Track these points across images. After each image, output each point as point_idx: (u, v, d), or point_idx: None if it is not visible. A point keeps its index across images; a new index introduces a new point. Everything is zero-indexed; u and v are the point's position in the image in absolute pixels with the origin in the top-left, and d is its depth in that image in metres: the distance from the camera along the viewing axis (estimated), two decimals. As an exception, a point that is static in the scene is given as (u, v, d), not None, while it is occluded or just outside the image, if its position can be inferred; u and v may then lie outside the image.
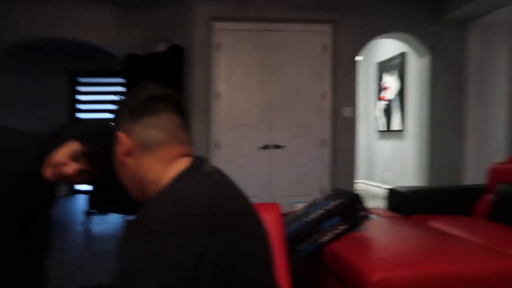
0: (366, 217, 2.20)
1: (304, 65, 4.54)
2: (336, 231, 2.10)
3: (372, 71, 7.07)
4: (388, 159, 6.55)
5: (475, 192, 3.07)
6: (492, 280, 1.70)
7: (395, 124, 6.17)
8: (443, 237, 2.15)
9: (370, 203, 5.79)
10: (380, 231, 2.32)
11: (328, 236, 2.10)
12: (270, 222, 1.52)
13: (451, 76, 4.81)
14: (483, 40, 4.63)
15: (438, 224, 2.65)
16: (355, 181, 4.74)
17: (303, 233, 2.09)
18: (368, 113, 7.29)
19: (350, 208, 2.15)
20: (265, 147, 4.48)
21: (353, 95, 4.67)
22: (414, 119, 5.61)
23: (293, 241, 2.07)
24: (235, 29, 4.45)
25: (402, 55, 5.88)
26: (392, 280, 1.62)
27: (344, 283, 1.89)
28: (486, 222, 2.69)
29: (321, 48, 4.57)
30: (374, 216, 2.81)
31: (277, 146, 4.50)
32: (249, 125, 4.47)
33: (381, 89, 6.68)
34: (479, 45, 4.69)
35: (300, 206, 2.52)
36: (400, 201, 3.13)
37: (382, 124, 6.66)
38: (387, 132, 6.51)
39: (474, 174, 4.64)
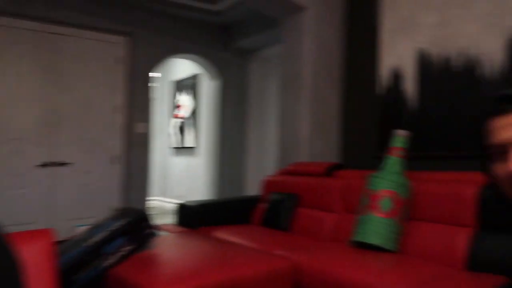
0: (153, 235, 2.16)
1: (95, 75, 4.24)
2: (121, 253, 1.98)
3: (168, 89, 7.21)
4: (181, 175, 6.75)
5: (253, 201, 3.45)
6: (265, 279, 1.91)
7: (189, 141, 6.43)
8: (225, 246, 2.31)
9: (162, 220, 5.81)
10: (167, 247, 2.32)
11: (112, 259, 1.96)
12: (35, 253, 1.30)
13: (237, 99, 5.35)
14: (261, 70, 5.36)
15: (221, 234, 2.85)
16: (148, 198, 4.67)
17: (81, 260, 1.88)
18: (163, 130, 7.38)
19: (136, 227, 2.07)
20: (44, 164, 3.93)
21: (148, 110, 4.63)
22: (206, 136, 5.98)
23: (68, 271, 1.84)
24: (11, 25, 3.80)
25: (196, 76, 6.22)
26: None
27: (128, 307, 1.79)
28: (260, 228, 3.04)
29: (114, 60, 4.37)
30: (162, 233, 2.80)
31: (62, 163, 4.02)
32: (23, 139, 3.84)
33: (176, 107, 6.87)
34: (258, 75, 5.40)
35: (82, 229, 2.28)
36: (188, 215, 3.22)
37: (176, 141, 6.84)
38: (181, 148, 6.72)
39: (254, 186, 5.26)
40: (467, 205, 2.04)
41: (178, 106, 6.74)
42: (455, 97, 2.77)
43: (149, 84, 4.63)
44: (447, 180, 2.26)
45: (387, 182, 2.26)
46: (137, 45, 4.53)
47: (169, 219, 5.74)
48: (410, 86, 3.05)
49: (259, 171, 5.17)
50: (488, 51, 2.62)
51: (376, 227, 2.18)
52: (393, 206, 2.20)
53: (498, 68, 2.56)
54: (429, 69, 2.94)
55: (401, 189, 2.24)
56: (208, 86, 5.83)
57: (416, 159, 2.96)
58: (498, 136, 0.71)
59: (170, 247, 2.34)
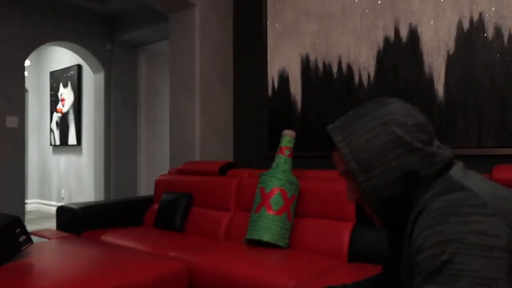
0: (27, 242, 1.92)
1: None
2: (-15, 266, 1.72)
3: (45, 81, 6.50)
4: (64, 175, 6.15)
5: (146, 202, 3.31)
6: (159, 283, 1.84)
7: (71, 138, 5.90)
8: (113, 251, 2.16)
9: (42, 225, 5.22)
10: (45, 256, 2.08)
11: (-27, 273, 1.68)
12: None
13: (124, 94, 5.07)
14: (149, 65, 5.16)
15: (110, 237, 2.67)
16: (25, 201, 4.15)
17: None
18: (42, 125, 6.63)
19: (6, 234, 1.82)
20: None
21: (20, 103, 4.11)
22: (90, 133, 5.54)
23: None
24: None
25: (78, 67, 5.72)
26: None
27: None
28: (153, 229, 2.93)
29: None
30: (41, 239, 2.51)
31: None
32: None
33: (57, 100, 6.23)
34: (147, 69, 5.19)
35: None
36: (72, 219, 2.95)
37: (57, 138, 6.21)
38: (63, 146, 6.12)
39: (146, 186, 5.04)
40: (348, 201, 2.24)
41: (62, 100, 6.12)
42: (335, 101, 3.03)
43: (21, 74, 4.12)
44: (331, 178, 2.45)
45: (277, 181, 2.36)
46: (6, 29, 3.99)
47: (50, 224, 5.18)
48: (296, 89, 3.25)
49: (152, 171, 4.99)
50: (362, 60, 2.92)
51: (268, 224, 2.27)
52: (283, 204, 2.31)
53: (371, 76, 2.88)
54: (312, 74, 3.16)
55: (290, 187, 2.36)
56: (91, 79, 5.42)
57: (302, 158, 3.16)
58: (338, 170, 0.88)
59: (49, 255, 2.11)
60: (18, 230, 1.87)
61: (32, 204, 6.60)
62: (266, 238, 2.24)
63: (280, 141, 2.57)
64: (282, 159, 2.47)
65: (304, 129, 3.17)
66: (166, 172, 3.62)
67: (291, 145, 2.54)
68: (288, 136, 2.55)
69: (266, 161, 3.45)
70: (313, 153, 3.11)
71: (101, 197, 5.01)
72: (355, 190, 0.85)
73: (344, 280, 1.75)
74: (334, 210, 2.29)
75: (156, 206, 3.19)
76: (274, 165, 2.48)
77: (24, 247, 1.92)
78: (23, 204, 4.12)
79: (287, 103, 3.29)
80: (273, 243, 2.23)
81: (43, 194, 6.61)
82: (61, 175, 6.21)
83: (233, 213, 2.76)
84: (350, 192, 0.86)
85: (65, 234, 2.81)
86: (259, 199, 2.39)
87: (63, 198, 6.09)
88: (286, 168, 2.44)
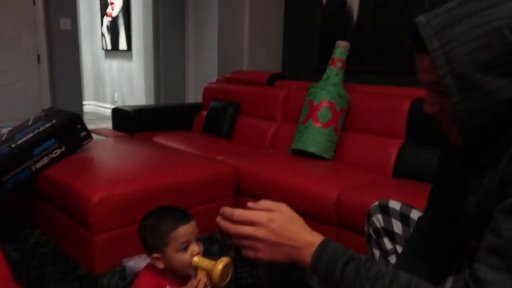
0: (87, 138, 2.06)
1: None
2: (52, 155, 1.88)
3: (97, -18, 6.42)
4: (116, 79, 6.36)
5: (194, 109, 3.39)
6: (204, 183, 1.95)
7: (122, 43, 5.96)
8: (165, 152, 2.29)
9: (99, 125, 5.58)
10: (103, 151, 2.24)
11: (42, 161, 1.85)
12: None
13: (174, 1, 4.92)
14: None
15: (161, 139, 2.81)
16: (82, 102, 4.39)
17: (9, 162, 1.76)
18: (93, 30, 6.72)
19: (68, 128, 1.95)
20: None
21: (72, 5, 4.12)
22: (139, 38, 5.55)
23: (-5, 172, 1.73)
24: None
25: (128, -31, 5.56)
26: (112, 198, 1.60)
27: (65, 209, 1.75)
28: (202, 134, 3.04)
29: None
30: (98, 137, 2.69)
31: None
32: None
33: (106, 4, 6.20)
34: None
35: (5, 131, 2.10)
36: (125, 120, 3.10)
37: (108, 43, 6.30)
38: (114, 51, 6.24)
39: (194, 94, 5.13)
40: (400, 118, 2.17)
41: (111, 3, 6.08)
42: (395, 12, 2.78)
43: (75, -27, 4.07)
44: (383, 94, 2.35)
45: (326, 93, 2.30)
46: None
47: (106, 125, 5.52)
48: (357, -4, 2.98)
49: (200, 79, 5.02)
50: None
51: (314, 136, 2.27)
52: (331, 117, 2.28)
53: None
54: (378, -21, 2.86)
55: (339, 100, 2.30)
56: (142, -18, 5.26)
57: (355, 72, 3.02)
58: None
59: (107, 151, 2.27)
60: (79, 126, 2.00)
61: (88, 105, 6.99)
62: (311, 149, 2.25)
63: (333, 53, 2.44)
64: (334, 71, 2.37)
65: (359, 41, 2.98)
66: (214, 80, 3.63)
67: (344, 57, 2.41)
68: (341, 47, 2.42)
69: (315, 74, 3.34)
70: (366, 67, 2.96)
71: (151, 102, 5.19)
72: (436, 103, 0.71)
73: (387, 194, 1.75)
74: (383, 126, 2.23)
75: (204, 113, 3.27)
76: (324, 77, 2.40)
77: (85, 142, 2.06)
78: (80, 105, 4.37)
79: (342, 12, 3.07)
80: (318, 154, 2.25)
81: (98, 97, 6.95)
82: (114, 79, 6.44)
83: (279, 123, 2.77)
84: (430, 104, 0.72)
85: (121, 133, 2.98)
86: (307, 111, 2.36)
87: (116, 101, 6.38)
88: (337, 81, 2.35)
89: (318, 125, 2.27)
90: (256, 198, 2.08)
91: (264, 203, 0.75)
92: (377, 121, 2.25)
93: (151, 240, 1.01)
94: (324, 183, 1.89)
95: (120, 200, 1.62)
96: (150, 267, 1.05)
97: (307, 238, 0.72)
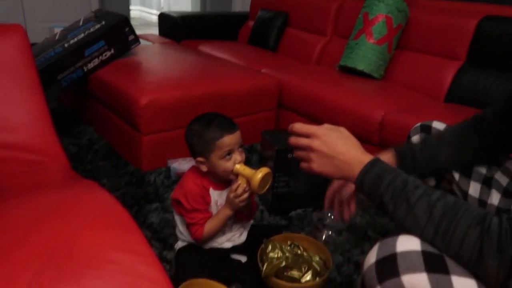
0: (135, 42, 2.07)
1: None
2: (102, 57, 1.93)
3: None
4: (163, -17, 6.18)
5: (241, 18, 3.27)
6: (247, 94, 1.95)
7: None
8: (210, 60, 2.27)
9: (145, 31, 5.58)
10: (150, 56, 2.26)
11: (93, 62, 1.91)
12: (10, 48, 1.23)
13: None
14: None
15: (207, 48, 2.78)
16: (129, 7, 4.35)
17: (63, 61, 1.83)
18: None
19: (116, 31, 1.96)
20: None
21: None
22: None
23: (51, 70, 1.81)
24: None
25: None
26: (159, 102, 1.65)
27: (115, 110, 1.83)
28: (247, 45, 2.96)
29: None
30: (145, 42, 2.70)
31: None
32: None
33: None
34: None
35: (57, 30, 2.15)
36: (172, 27, 3.07)
37: None
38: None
39: (242, 2, 4.91)
40: (463, 38, 1.98)
41: None
42: None
43: None
44: (447, 10, 2.13)
45: (384, 6, 2.12)
46: None
47: (152, 31, 5.51)
48: None
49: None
50: None
51: (365, 53, 2.14)
52: (386, 33, 2.12)
53: None
54: None
55: (398, 14, 2.11)
56: None
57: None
58: None
59: (154, 56, 2.29)
60: (127, 29, 2.00)
61: (135, 11, 6.93)
62: (361, 66, 2.15)
63: (397, -41, 2.19)
64: (396, -19, 2.15)
65: None
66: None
67: (409, -36, 2.16)
68: (408, -47, 2.16)
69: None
70: (432, -22, 2.66)
71: (197, 9, 5.05)
72: None
73: (435, 117, 1.68)
74: (443, 46, 2.06)
75: (251, 23, 3.15)
76: (384, -13, 2.18)
77: (133, 46, 2.07)
78: (127, 9, 4.33)
79: None
80: (367, 72, 2.15)
81: (144, 2, 6.84)
82: (161, -16, 6.25)
83: (329, 38, 2.63)
84: None
85: (167, 40, 2.97)
86: (360, 25, 2.21)
87: (162, 8, 6.27)
88: (397, -8, 2.14)
89: (371, 41, 2.14)
90: (299, 113, 2.08)
91: (326, 124, 0.77)
92: (436, 40, 2.08)
93: (197, 145, 1.05)
94: (370, 102, 1.83)
95: (166, 104, 1.67)
96: (195, 169, 1.11)
97: (359, 156, 0.72)
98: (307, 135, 0.76)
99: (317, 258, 1.16)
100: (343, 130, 0.77)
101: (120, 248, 0.66)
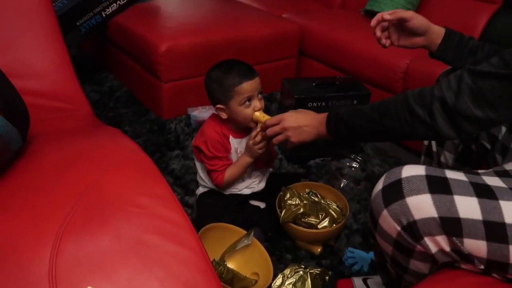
0: (153, -15, 2.01)
1: None
2: (120, 2, 1.89)
3: None
4: None
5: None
6: (267, 40, 1.90)
7: None
8: (230, 5, 2.20)
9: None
10: (169, 1, 2.20)
11: (112, 7, 1.87)
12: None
13: None
14: None
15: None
16: None
17: (81, 6, 1.80)
18: None
19: (134, -26, 1.90)
20: None
21: None
22: None
23: (69, 16, 1.79)
24: None
25: None
26: (178, 48, 1.63)
27: (135, 57, 1.83)
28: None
29: None
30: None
31: None
32: None
33: None
34: None
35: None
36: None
37: None
38: None
39: None
40: (500, -23, 1.84)
41: None
42: None
43: None
44: None
45: None
46: None
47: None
48: None
49: None
50: None
51: (393, -4, 2.03)
52: (416, -27, 1.99)
53: None
54: None
55: (431, -48, 1.96)
56: None
57: None
58: None
59: (173, 2, 2.23)
60: (144, -29, 1.93)
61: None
62: (387, 9, 2.04)
63: None
64: None
65: None
66: None
67: None
68: None
69: None
70: None
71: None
72: None
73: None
74: (477, -13, 1.92)
75: (272, -37, 2.98)
76: None
77: (151, -11, 2.02)
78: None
79: None
80: (394, 17, 2.04)
81: None
82: None
83: (355, -21, 2.49)
84: None
85: (185, -17, 2.87)
86: (389, -35, 2.07)
87: None
88: None
89: (399, -18, 2.01)
90: (320, 61, 2.03)
91: (289, 111, 0.99)
92: (471, -20, 1.94)
93: (216, 91, 1.05)
94: (394, 49, 1.74)
95: (186, 50, 1.65)
96: (215, 117, 1.11)
97: (319, 116, 0.92)
98: (277, 122, 0.96)
99: (334, 206, 1.18)
100: (300, 110, 1.00)
101: (145, 192, 0.69)
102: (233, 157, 1.13)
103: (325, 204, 1.18)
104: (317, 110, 1.38)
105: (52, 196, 0.68)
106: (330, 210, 1.16)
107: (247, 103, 1.03)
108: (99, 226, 0.62)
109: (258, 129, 1.04)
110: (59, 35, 1.24)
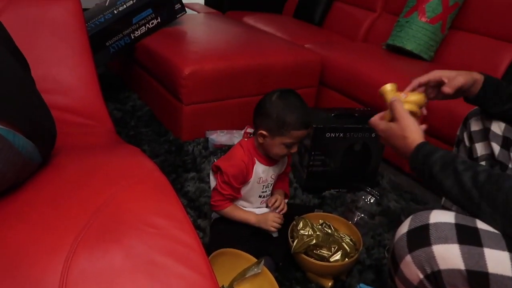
0: (181, 11, 2.08)
1: None
2: (149, 25, 1.96)
3: None
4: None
5: (287, -10, 3.19)
6: (289, 69, 1.93)
7: None
8: (254, 33, 2.25)
9: (191, 0, 5.58)
10: (195, 26, 2.27)
11: (140, 30, 1.95)
12: (63, 12, 1.28)
13: None
14: None
15: (251, 20, 2.75)
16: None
17: (112, 27, 1.88)
18: None
19: (164, 0, 1.97)
20: None
21: None
22: None
23: (100, 36, 1.86)
24: None
25: None
26: (202, 72, 1.67)
27: (159, 78, 1.88)
28: (292, 19, 2.90)
29: None
30: (191, 11, 2.71)
31: None
32: None
33: None
34: None
35: (108, -4, 2.20)
36: (218, -3, 3.05)
37: None
38: None
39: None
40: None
41: None
42: None
43: None
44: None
45: (442, -17, 2.00)
46: None
47: (197, 0, 5.50)
48: None
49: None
50: None
51: (416, 32, 2.05)
52: (440, 11, 2.01)
53: None
54: None
55: (456, -8, 1.99)
56: None
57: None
58: None
59: (199, 26, 2.30)
60: (174, -3, 2.01)
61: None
62: (409, 46, 2.06)
63: None
64: (456, -44, 2.01)
65: None
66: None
67: None
68: None
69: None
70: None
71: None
72: None
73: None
74: (502, 27, 1.92)
75: (298, -5, 3.07)
76: (443, -38, 2.05)
77: (179, 15, 2.09)
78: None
79: None
80: (416, 53, 2.06)
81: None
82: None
83: (378, 14, 2.53)
84: None
85: (212, 10, 2.97)
86: (413, 2, 2.10)
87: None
88: (457, -32, 2.01)
89: (423, 19, 2.03)
90: (340, 92, 2.04)
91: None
92: (496, 20, 1.95)
93: (271, 120, 1.03)
94: (416, 85, 1.75)
95: (209, 75, 1.69)
96: (245, 143, 1.11)
97: (409, 143, 0.80)
98: (377, 127, 0.92)
99: (347, 239, 1.16)
100: (401, 122, 0.85)
101: (159, 213, 0.70)
102: (253, 185, 1.12)
103: (338, 236, 1.16)
104: (335, 141, 1.38)
105: (69, 209, 0.69)
106: (343, 244, 1.14)
107: (289, 145, 1.05)
108: (112, 243, 0.62)
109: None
110: (89, 54, 1.29)
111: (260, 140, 1.07)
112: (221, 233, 1.14)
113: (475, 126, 1.01)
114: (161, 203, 0.73)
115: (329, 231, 1.18)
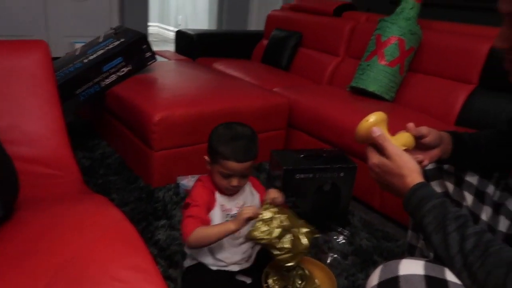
0: (151, 59, 2.12)
1: None
2: (119, 73, 1.98)
3: None
4: (181, 1, 6.33)
5: (256, 37, 3.33)
6: (258, 113, 1.97)
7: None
8: (223, 78, 2.32)
9: (162, 47, 5.70)
10: (166, 73, 2.32)
11: (111, 78, 1.96)
12: (33, 63, 1.28)
13: None
14: None
15: (221, 66, 2.83)
16: (148, 23, 4.46)
17: (82, 76, 1.89)
18: None
19: (134, 48, 2.02)
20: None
21: None
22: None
23: (70, 84, 1.87)
24: None
25: None
26: (172, 118, 1.69)
27: (129, 125, 1.88)
28: (260, 64, 3.01)
29: None
30: (161, 58, 2.77)
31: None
32: None
33: None
34: None
35: (78, 46, 2.22)
36: (188, 44, 3.14)
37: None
38: (181, -30, 6.13)
39: (257, 21, 5.00)
40: (475, 61, 1.99)
41: None
42: None
43: None
44: (460, 33, 2.14)
45: (397, 28, 2.14)
46: None
47: (168, 47, 5.63)
48: None
49: (265, 3, 4.85)
50: None
51: (377, 75, 2.16)
52: (398, 55, 2.14)
53: None
54: None
55: (410, 37, 2.13)
56: None
57: (433, 5, 2.74)
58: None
59: (169, 73, 2.35)
60: (144, 46, 2.05)
61: (153, 27, 7.09)
62: (371, 88, 2.17)
63: (410, -17, 2.22)
64: (409, 4, 2.18)
65: (443, -29, 2.67)
66: (279, 7, 3.49)
67: (422, -12, 2.19)
68: (421, -22, 2.19)
69: (389, 6, 3.09)
70: (446, 0, 2.68)
71: (214, 26, 5.15)
72: (508, 39, 0.73)
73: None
74: (455, 69, 2.07)
75: (265, 42, 3.20)
76: (398, 10, 2.21)
77: (149, 63, 2.13)
78: (146, 26, 4.44)
79: None
80: (378, 94, 2.16)
81: (163, 19, 7.01)
82: (178, 2, 6.40)
83: (341, 58, 2.66)
84: (502, 39, 0.74)
85: (183, 57, 3.04)
86: (372, 47, 2.23)
87: (179, 24, 6.41)
88: (411, 15, 2.16)
89: (383, 63, 2.16)
90: (308, 133, 2.10)
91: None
92: (448, 63, 2.09)
93: (210, 146, 1.07)
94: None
95: (179, 120, 1.70)
96: (204, 177, 1.13)
97: (405, 183, 0.77)
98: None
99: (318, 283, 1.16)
100: (396, 161, 0.79)
101: (127, 265, 0.68)
102: (217, 213, 1.09)
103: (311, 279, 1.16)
104: (305, 181, 1.40)
105: (31, 265, 0.67)
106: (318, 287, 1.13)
107: (227, 176, 1.05)
108: (77, 301, 0.60)
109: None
110: (57, 103, 1.29)
111: (207, 166, 1.10)
112: (194, 282, 1.11)
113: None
114: (129, 254, 0.72)
115: (303, 273, 1.17)
